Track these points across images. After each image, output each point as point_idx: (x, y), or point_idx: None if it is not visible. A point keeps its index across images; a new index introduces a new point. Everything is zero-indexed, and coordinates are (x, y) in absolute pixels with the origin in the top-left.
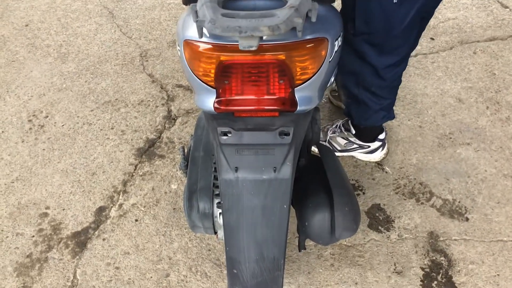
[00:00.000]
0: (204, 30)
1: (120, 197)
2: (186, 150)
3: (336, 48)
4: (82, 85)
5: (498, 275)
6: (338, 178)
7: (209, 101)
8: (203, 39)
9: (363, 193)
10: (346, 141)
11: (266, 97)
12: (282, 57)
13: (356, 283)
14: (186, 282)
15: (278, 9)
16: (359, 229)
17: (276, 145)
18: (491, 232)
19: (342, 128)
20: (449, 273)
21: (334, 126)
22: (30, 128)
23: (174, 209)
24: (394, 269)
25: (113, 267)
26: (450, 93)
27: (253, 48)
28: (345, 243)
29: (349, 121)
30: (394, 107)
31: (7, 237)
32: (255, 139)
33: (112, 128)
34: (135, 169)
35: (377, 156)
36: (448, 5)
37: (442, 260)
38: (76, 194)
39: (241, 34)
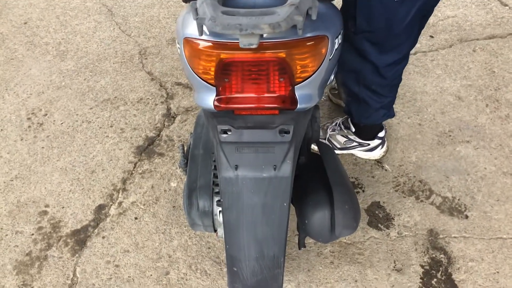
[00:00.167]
0: (204, 28)
1: (120, 195)
2: (185, 148)
3: (336, 46)
4: (81, 83)
5: (497, 272)
6: (338, 176)
7: (209, 99)
8: (203, 37)
9: (363, 191)
10: (345, 139)
11: (266, 95)
12: (282, 55)
13: (356, 281)
14: (186, 280)
15: (279, 6)
16: (358, 226)
17: (276, 143)
18: (490, 229)
19: (342, 126)
20: (449, 271)
21: (333, 124)
22: (29, 126)
23: (173, 207)
24: (394, 267)
25: (112, 265)
26: (449, 91)
27: (254, 46)
28: (345, 240)
29: (349, 119)
30: (393, 105)
31: (7, 235)
32: (255, 137)
33: (111, 126)
34: (134, 167)
35: (377, 154)
36: (447, 3)
37: (441, 257)
38: (75, 192)
39: (242, 32)
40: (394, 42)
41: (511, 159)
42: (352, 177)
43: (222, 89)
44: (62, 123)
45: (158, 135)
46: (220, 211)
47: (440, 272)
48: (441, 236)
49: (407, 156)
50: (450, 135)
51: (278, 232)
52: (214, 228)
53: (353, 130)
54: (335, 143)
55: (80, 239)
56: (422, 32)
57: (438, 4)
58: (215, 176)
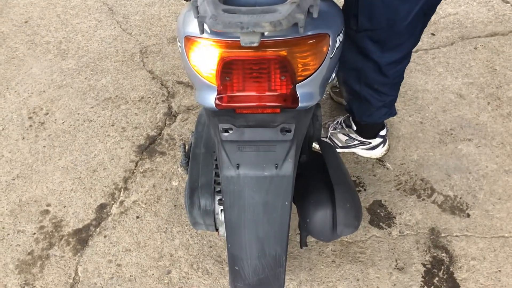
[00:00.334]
0: (205, 26)
1: (121, 194)
2: (187, 147)
3: (337, 44)
4: (82, 82)
5: (499, 271)
6: (340, 174)
7: (210, 98)
8: (204, 35)
9: (364, 190)
10: (347, 138)
11: (267, 93)
12: (283, 53)
13: (358, 280)
14: (188, 279)
15: (280, 4)
16: (360, 225)
17: (277, 142)
18: (492, 228)
19: (343, 125)
20: (451, 269)
21: (335, 122)
22: (31, 125)
23: (175, 206)
24: (396, 266)
25: (114, 264)
26: (451, 89)
27: (255, 44)
28: (347, 239)
29: (350, 118)
30: (395, 103)
31: (8, 234)
32: (256, 135)
33: (112, 125)
34: (135, 166)
35: (378, 152)
36: (449, 0)
37: (443, 256)
38: (77, 191)
39: (243, 30)
40: (396, 40)
41: None
42: (353, 176)
43: (223, 88)
44: (63, 122)
45: (159, 134)
46: (221, 210)
47: (442, 271)
48: (442, 234)
49: (409, 154)
50: (452, 133)
51: (279, 231)
52: (216, 227)
53: (355, 128)
54: (336, 141)
55: (81, 238)
56: (424, 29)
57: (440, 1)
58: (217, 175)
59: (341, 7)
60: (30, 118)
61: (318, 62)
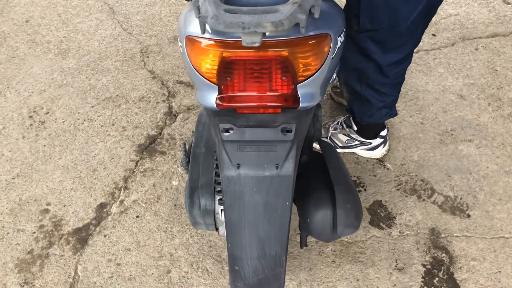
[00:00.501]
0: (207, 26)
1: (121, 194)
2: (187, 147)
3: (338, 45)
4: (82, 81)
5: (499, 271)
6: (340, 174)
7: (211, 98)
8: (205, 35)
9: (365, 190)
10: (347, 138)
11: (268, 93)
12: (285, 53)
13: (358, 280)
14: (188, 278)
15: (281, 4)
16: (360, 225)
17: (278, 142)
18: (492, 229)
19: (344, 125)
20: (451, 270)
21: (335, 122)
22: (31, 124)
23: (175, 205)
24: (396, 266)
25: (114, 263)
26: (451, 90)
27: (256, 44)
28: (347, 239)
29: (351, 118)
30: (396, 104)
31: (8, 233)
32: (257, 135)
33: (113, 125)
34: (136, 166)
35: (379, 152)
36: (450, 1)
37: (443, 256)
38: (77, 190)
39: (244, 30)
40: (397, 41)
41: None
42: (354, 176)
43: (224, 88)
44: (63, 122)
45: (160, 134)
46: (221, 210)
47: (442, 271)
48: (443, 235)
49: (409, 155)
50: (452, 134)
51: (280, 231)
52: (216, 226)
53: (355, 128)
54: (337, 141)
55: (81, 237)
56: (425, 30)
57: (441, 2)
58: (217, 174)
59: (342, 8)
60: (30, 117)
61: (319, 62)
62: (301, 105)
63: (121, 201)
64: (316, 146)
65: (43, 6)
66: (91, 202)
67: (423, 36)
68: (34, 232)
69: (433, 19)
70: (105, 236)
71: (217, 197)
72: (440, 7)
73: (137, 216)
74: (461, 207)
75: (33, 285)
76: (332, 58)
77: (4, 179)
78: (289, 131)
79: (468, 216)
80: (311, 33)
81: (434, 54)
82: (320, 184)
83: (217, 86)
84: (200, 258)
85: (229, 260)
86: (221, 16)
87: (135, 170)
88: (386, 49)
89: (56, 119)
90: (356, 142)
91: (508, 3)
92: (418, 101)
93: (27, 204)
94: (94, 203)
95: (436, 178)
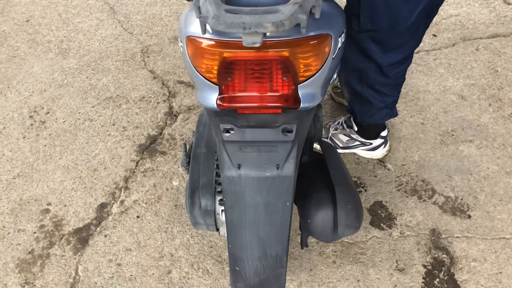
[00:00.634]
0: (207, 26)
1: (122, 194)
2: (188, 147)
3: (339, 45)
4: (83, 81)
5: (500, 272)
6: (341, 175)
7: (212, 98)
8: (206, 35)
9: (365, 190)
10: (348, 138)
11: (269, 94)
12: (285, 53)
13: (358, 280)
14: (188, 279)
15: (282, 5)
16: (361, 226)
17: (279, 142)
18: (493, 229)
19: (344, 125)
20: (451, 271)
21: (336, 123)
22: (31, 124)
23: (175, 205)
24: (396, 267)
25: (115, 263)
26: (452, 90)
27: (257, 45)
28: (347, 240)
29: (351, 118)
30: (396, 104)
31: (9, 233)
32: (258, 136)
33: (113, 124)
34: (136, 166)
35: (379, 153)
36: (450, 1)
37: (444, 257)
38: (77, 190)
39: (245, 30)
40: (398, 41)
41: None
42: (354, 177)
43: (225, 88)
44: (64, 121)
45: (160, 134)
46: (222, 210)
47: (442, 272)
48: (443, 236)
49: (410, 155)
50: (453, 135)
51: (280, 231)
52: (216, 227)
53: (356, 129)
54: (337, 142)
55: (82, 237)
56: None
57: (442, 3)
58: (218, 175)
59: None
60: (31, 117)
61: (320, 62)
62: (301, 105)
63: (122, 201)
64: (316, 146)
65: (44, 6)
66: (91, 202)
67: (424, 36)
68: (35, 232)
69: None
70: (105, 236)
71: (218, 198)
72: (440, 8)
73: (138, 216)
74: (462, 208)
75: (34, 285)
76: (333, 58)
77: (4, 179)
78: (290, 131)
79: (469, 216)
80: (311, 34)
81: (435, 55)
82: (320, 185)
83: (217, 86)
84: (200, 259)
85: (230, 260)
86: (221, 16)
87: (135, 170)
88: (387, 50)
89: (56, 119)
90: (357, 143)
91: (509, 4)
92: (419, 102)
93: (28, 204)
94: (95, 203)
95: (436, 178)
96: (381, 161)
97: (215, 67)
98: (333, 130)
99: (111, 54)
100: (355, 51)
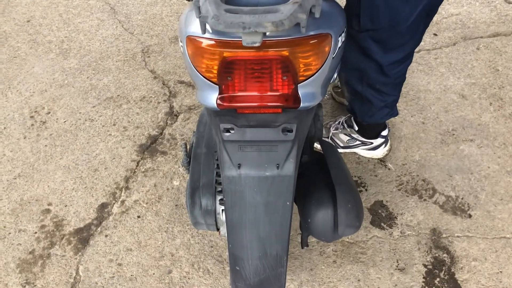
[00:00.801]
0: (207, 26)
1: (123, 194)
2: (188, 147)
3: (339, 44)
4: (84, 81)
5: (501, 272)
6: (341, 174)
7: (212, 98)
8: (206, 35)
9: (366, 190)
10: (348, 138)
11: (269, 93)
12: (285, 53)
13: (359, 280)
14: (189, 278)
15: (282, 4)
16: (361, 226)
17: (279, 142)
18: (494, 229)
19: (345, 125)
20: (452, 270)
21: (336, 122)
22: (32, 125)
23: (176, 205)
24: (397, 266)
25: (115, 263)
26: (453, 89)
27: (257, 44)
28: (348, 240)
29: (352, 118)
30: (397, 104)
31: (10, 233)
32: (258, 135)
33: (114, 125)
34: (137, 166)
35: (380, 152)
36: (451, 0)
37: (444, 257)
38: (78, 190)
39: (245, 30)
40: (398, 40)
41: None
42: (355, 176)
43: (225, 88)
44: (65, 122)
45: (161, 134)
46: (222, 210)
47: (443, 272)
48: (444, 235)
49: (410, 155)
50: (454, 134)
51: (281, 231)
52: (217, 226)
53: (356, 128)
54: (338, 141)
55: (83, 237)
56: (426, 30)
57: (442, 2)
58: (218, 174)
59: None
60: (31, 117)
61: (320, 62)
62: (301, 105)
63: (122, 201)
64: (317, 146)
65: (45, 6)
66: (92, 202)
67: (424, 35)
68: (36, 232)
69: (435, 18)
70: (106, 236)
71: (218, 197)
72: (441, 7)
73: (138, 216)
74: (463, 207)
75: (35, 285)
76: (333, 57)
77: (5, 179)
78: (290, 131)
79: (470, 216)
80: (311, 33)
81: (436, 54)
82: (321, 184)
83: (217, 86)
84: (201, 258)
85: (230, 260)
86: (221, 16)
87: (136, 170)
88: (387, 49)
89: (57, 119)
90: (357, 142)
91: (510, 3)
92: (420, 101)
93: (29, 204)
94: (96, 203)
95: (437, 178)
96: (381, 160)
97: (215, 67)
98: (333, 130)
99: (112, 54)
100: (355, 51)
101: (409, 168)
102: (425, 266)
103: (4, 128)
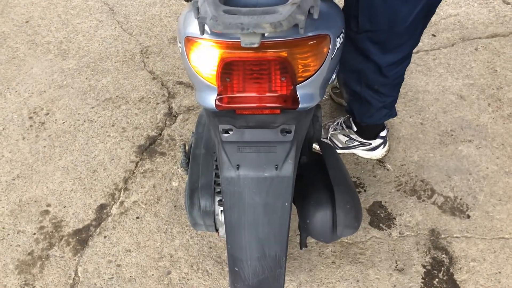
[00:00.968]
0: (206, 27)
1: (121, 195)
2: (187, 148)
3: (338, 45)
4: (82, 82)
5: (499, 272)
6: (340, 175)
7: (211, 98)
8: (205, 36)
9: (365, 191)
10: (347, 138)
11: (267, 94)
12: (284, 54)
13: (358, 281)
14: (188, 279)
15: (280, 5)
16: (360, 226)
17: (277, 143)
18: (492, 229)
19: (344, 125)
20: (451, 271)
21: (335, 123)
22: (31, 125)
23: (175, 206)
24: (396, 267)
25: (114, 264)
26: (451, 90)
27: (255, 45)
28: (347, 240)
29: (351, 118)
30: (395, 105)
31: (8, 234)
32: (256, 136)
33: (113, 125)
34: (136, 167)
35: (379, 153)
36: (449, 1)
37: (443, 257)
38: (77, 191)
39: (243, 31)
40: (396, 41)
41: None
42: (353, 177)
43: (223, 89)
44: (63, 122)
45: (160, 134)
46: (221, 211)
47: (442, 272)
48: (443, 236)
49: (409, 155)
50: (452, 135)
51: (279, 232)
52: (216, 227)
53: (355, 129)
54: (336, 142)
55: (81, 238)
56: (424, 30)
57: (441, 3)
58: (217, 175)
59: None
60: (30, 118)
61: (319, 63)
62: (300, 105)
63: (121, 202)
64: (315, 146)
65: (43, 7)
66: (91, 203)
67: (423, 36)
68: (34, 234)
69: (433, 19)
70: (105, 237)
71: (217, 198)
72: (440, 8)
73: (137, 217)
74: (461, 208)
75: (34, 287)
76: (332, 58)
77: (4, 180)
78: (289, 131)
79: (468, 216)
80: (310, 34)
81: (434, 55)
82: (319, 185)
83: (216, 87)
84: (200, 259)
85: (229, 261)
86: (220, 17)
87: (135, 171)
88: (385, 50)
89: (56, 120)
90: (356, 143)
91: (508, 3)
92: (418, 102)
93: (27, 205)
94: (94, 204)
95: (436, 178)
96: (380, 161)
97: (214, 68)
98: (332, 131)
99: (111, 55)
100: (354, 52)
101: (407, 168)
102: (424, 266)
103: (3, 129)
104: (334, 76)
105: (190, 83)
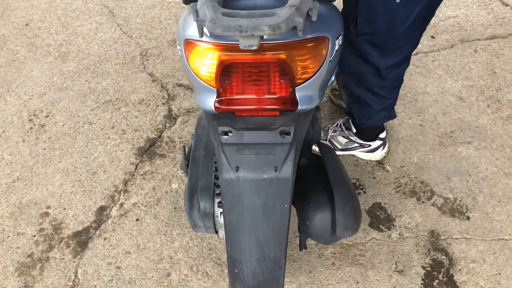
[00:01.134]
0: (205, 30)
1: (121, 197)
2: (187, 150)
3: (336, 47)
4: (82, 85)
5: (499, 273)
6: (339, 177)
7: (210, 101)
8: (204, 38)
9: (364, 192)
10: (347, 140)
11: (266, 96)
12: (282, 56)
13: (357, 282)
14: (187, 281)
15: (279, 8)
16: (360, 228)
17: (277, 145)
18: (492, 230)
19: (343, 127)
20: (450, 272)
21: (335, 125)
22: (31, 128)
23: (175, 208)
24: (395, 268)
25: (114, 266)
26: (451, 92)
27: (254, 48)
28: (346, 242)
29: (350, 120)
30: (395, 106)
31: (8, 236)
32: (256, 138)
33: (112, 128)
34: (136, 169)
35: (378, 155)
36: (448, 3)
37: (443, 259)
38: (77, 193)
39: (242, 33)
40: (395, 44)
41: None
42: (353, 178)
43: (222, 91)
44: (63, 125)
45: (159, 137)
46: (221, 213)
47: (441, 274)
48: (442, 237)
49: (409, 157)
50: (452, 136)
51: (279, 233)
52: (215, 229)
53: (354, 131)
54: (336, 144)
55: (81, 240)
56: (423, 32)
57: (440, 5)
58: (216, 177)
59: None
60: (30, 120)
61: (317, 65)
62: (299, 107)
63: (121, 204)
64: (315, 148)
65: (43, 10)
66: (91, 205)
67: (422, 38)
68: (34, 236)
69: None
70: (105, 239)
71: (217, 200)
72: (439, 10)
73: (137, 219)
74: (461, 209)
75: None
76: (330, 60)
77: (4, 182)
78: (288, 133)
79: (468, 218)
80: (308, 36)
81: (433, 56)
82: (319, 187)
83: (215, 89)
84: (200, 261)
85: (229, 263)
86: (218, 20)
87: (135, 173)
88: (384, 52)
89: (56, 122)
90: (356, 145)
91: (507, 5)
92: (417, 103)
93: (27, 207)
94: (94, 206)
95: (435, 180)
96: (380, 163)
97: (213, 70)
98: (331, 132)
99: (111, 58)
100: (353, 55)
101: (407, 170)
102: (423, 268)
103: (3, 131)
104: (333, 78)
105: (190, 85)
